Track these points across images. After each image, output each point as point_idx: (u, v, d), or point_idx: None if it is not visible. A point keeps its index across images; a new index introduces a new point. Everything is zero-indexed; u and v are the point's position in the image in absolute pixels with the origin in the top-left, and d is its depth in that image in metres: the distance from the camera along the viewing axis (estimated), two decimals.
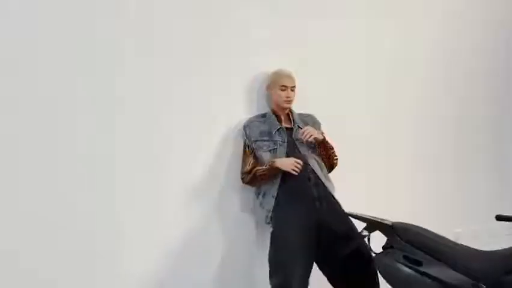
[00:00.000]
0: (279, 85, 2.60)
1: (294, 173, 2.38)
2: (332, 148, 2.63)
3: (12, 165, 2.23)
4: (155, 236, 2.49)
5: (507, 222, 2.19)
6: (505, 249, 2.02)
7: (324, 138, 2.56)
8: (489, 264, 1.97)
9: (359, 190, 2.91)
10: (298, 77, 2.69)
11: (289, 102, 2.62)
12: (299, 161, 2.40)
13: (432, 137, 3.50)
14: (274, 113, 2.64)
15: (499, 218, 2.15)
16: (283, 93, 2.59)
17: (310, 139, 2.44)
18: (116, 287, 2.40)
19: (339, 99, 3.04)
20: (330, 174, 2.64)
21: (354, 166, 2.92)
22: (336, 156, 2.65)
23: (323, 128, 2.72)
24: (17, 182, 2.23)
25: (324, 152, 2.60)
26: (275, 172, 2.45)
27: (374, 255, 2.20)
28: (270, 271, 2.30)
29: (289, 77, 2.63)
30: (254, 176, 2.50)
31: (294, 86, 2.62)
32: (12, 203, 2.21)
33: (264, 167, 2.47)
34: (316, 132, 2.49)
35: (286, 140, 2.53)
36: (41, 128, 2.31)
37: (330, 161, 2.63)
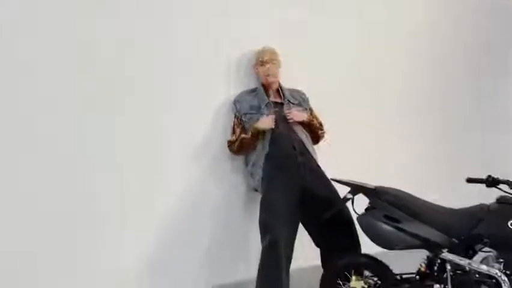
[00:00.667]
0: (259, 61, 2.73)
1: (273, 126, 2.58)
2: (319, 126, 2.81)
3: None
4: (155, 203, 2.63)
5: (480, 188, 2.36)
6: (471, 207, 2.24)
7: (309, 119, 2.73)
8: (458, 220, 2.19)
9: (347, 159, 3.06)
10: (288, 53, 2.80)
11: (270, 76, 2.71)
12: (274, 117, 2.59)
13: (415, 109, 3.66)
14: (264, 87, 2.76)
15: (469, 180, 2.33)
16: (263, 68, 2.71)
17: (293, 120, 2.64)
18: (121, 245, 2.54)
19: (327, 73, 3.16)
20: (320, 144, 2.85)
21: (342, 137, 3.09)
22: (322, 131, 2.83)
23: (312, 101, 2.87)
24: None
25: (309, 129, 2.76)
26: (258, 135, 2.61)
27: (357, 215, 2.38)
28: (260, 233, 2.47)
29: (268, 51, 2.74)
30: (240, 144, 2.65)
31: (275, 60, 2.72)
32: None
33: (248, 135, 2.62)
34: (300, 115, 2.67)
35: (272, 114, 2.65)
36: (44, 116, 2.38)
37: (315, 136, 2.81)
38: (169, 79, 2.68)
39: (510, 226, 2.06)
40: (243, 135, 2.64)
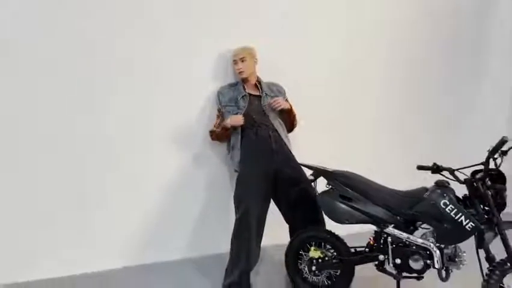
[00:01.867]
0: (232, 60, 3.08)
1: (242, 124, 2.88)
2: (294, 115, 3.14)
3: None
4: (146, 182, 3.05)
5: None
6: (415, 189, 2.53)
7: (290, 108, 3.05)
8: (401, 200, 2.49)
9: (322, 147, 3.42)
10: (266, 50, 3.14)
11: (242, 73, 3.04)
12: (242, 116, 2.90)
13: (394, 106, 3.92)
14: (243, 82, 3.09)
15: (420, 167, 2.59)
16: (235, 67, 3.06)
17: (279, 108, 2.95)
18: (121, 221, 2.99)
19: (304, 68, 3.47)
20: (297, 134, 3.19)
21: (318, 127, 3.46)
22: (296, 121, 3.16)
23: (289, 93, 3.19)
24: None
25: (287, 117, 3.09)
26: (228, 130, 2.94)
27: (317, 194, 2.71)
28: (234, 207, 2.80)
29: (237, 50, 3.06)
30: (216, 136, 3.03)
31: (245, 57, 3.02)
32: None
33: (218, 129, 2.98)
34: (284, 103, 2.98)
35: (247, 106, 2.98)
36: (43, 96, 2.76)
37: (291, 125, 3.16)
38: (169, 77, 3.04)
39: (442, 205, 2.35)
40: (214, 129, 3.00)
